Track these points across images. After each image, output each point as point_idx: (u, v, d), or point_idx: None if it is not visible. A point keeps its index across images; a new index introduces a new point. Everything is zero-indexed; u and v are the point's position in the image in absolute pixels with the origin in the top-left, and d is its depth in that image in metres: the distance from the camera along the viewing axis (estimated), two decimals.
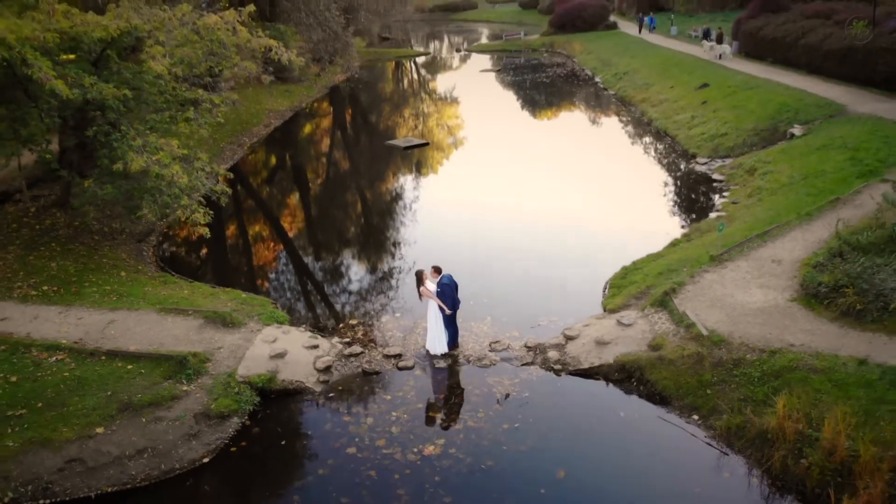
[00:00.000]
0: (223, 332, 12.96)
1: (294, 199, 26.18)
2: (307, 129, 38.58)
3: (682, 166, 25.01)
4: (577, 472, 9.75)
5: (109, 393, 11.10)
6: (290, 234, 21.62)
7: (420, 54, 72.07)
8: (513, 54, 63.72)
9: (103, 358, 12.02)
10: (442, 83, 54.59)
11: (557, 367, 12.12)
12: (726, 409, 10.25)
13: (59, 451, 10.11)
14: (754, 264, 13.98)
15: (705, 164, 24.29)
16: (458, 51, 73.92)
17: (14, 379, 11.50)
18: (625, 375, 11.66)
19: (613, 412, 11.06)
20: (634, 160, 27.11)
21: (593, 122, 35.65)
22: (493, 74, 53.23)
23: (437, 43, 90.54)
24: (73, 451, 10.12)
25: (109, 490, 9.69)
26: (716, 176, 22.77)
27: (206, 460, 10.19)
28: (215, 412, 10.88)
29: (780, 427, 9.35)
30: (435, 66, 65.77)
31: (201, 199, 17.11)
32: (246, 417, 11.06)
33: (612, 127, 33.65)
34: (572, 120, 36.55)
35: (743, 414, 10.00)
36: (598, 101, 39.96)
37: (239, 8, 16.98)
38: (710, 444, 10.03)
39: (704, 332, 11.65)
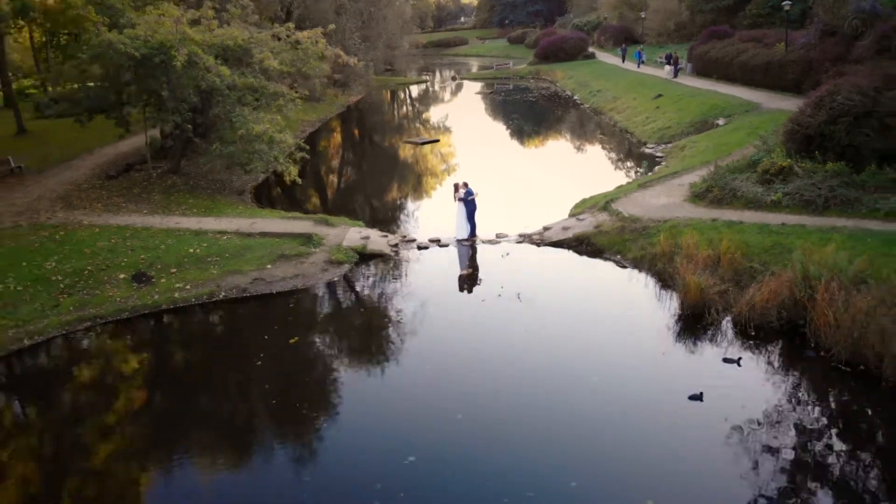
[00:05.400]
0: (327, 228, 20.30)
1: (348, 167, 34.65)
2: (338, 133, 46.40)
3: (635, 150, 32.73)
4: (552, 282, 17.04)
5: (269, 250, 18.39)
6: (351, 184, 29.55)
7: (420, 81, 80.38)
8: (503, 81, 71.93)
9: (257, 237, 19.35)
10: (442, 102, 62.69)
11: (538, 241, 19.48)
12: (635, 249, 17.62)
13: (246, 275, 17.32)
14: (666, 187, 21.52)
15: (652, 147, 31.99)
16: (453, 78, 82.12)
17: (205, 244, 18.77)
18: (578, 243, 19.00)
19: (572, 260, 18.41)
20: (600, 147, 35.00)
21: (571, 125, 43.55)
22: (486, 95, 61.30)
23: (432, 74, 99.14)
24: (255, 275, 17.33)
25: (281, 291, 16.87)
26: (658, 154, 30.42)
27: (334, 279, 17.45)
28: (335, 260, 18.15)
29: (662, 249, 16.68)
30: (434, 90, 73.97)
31: (289, 161, 24.48)
32: (352, 264, 18.31)
33: (586, 127, 41.60)
34: (554, 124, 44.46)
35: (644, 250, 17.36)
36: (575, 112, 47.89)
37: (320, 27, 24.62)
38: (625, 267, 17.38)
39: (626, 215, 19.09)
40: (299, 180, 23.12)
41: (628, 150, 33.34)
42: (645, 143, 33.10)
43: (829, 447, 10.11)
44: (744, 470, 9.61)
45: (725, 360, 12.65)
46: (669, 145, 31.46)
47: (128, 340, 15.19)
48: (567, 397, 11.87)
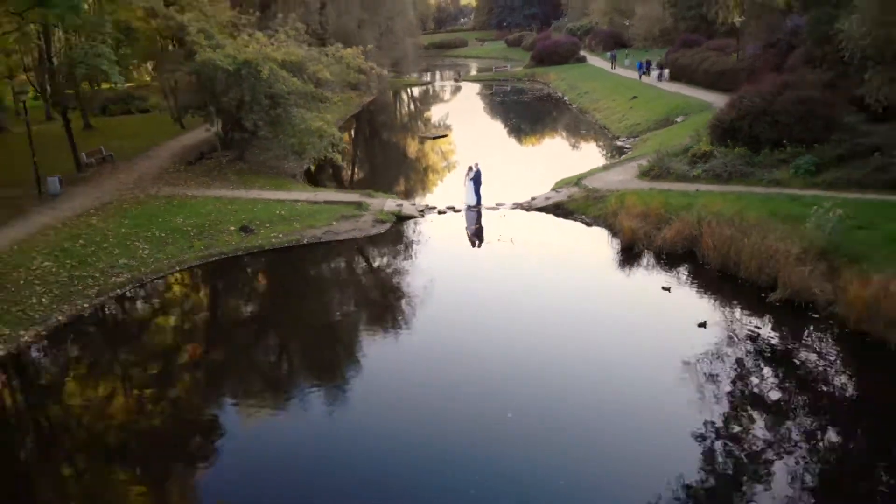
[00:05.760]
0: (370, 199, 27.40)
1: (373, 155, 41.88)
2: (360, 128, 53.50)
3: (609, 143, 39.83)
4: (536, 232, 24.13)
5: (332, 213, 25.48)
6: (379, 168, 36.70)
7: (424, 83, 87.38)
8: (501, 83, 78.91)
9: (322, 203, 26.46)
10: (446, 101, 69.77)
11: (526, 207, 26.54)
12: (594, 210, 24.67)
13: (320, 228, 24.39)
14: (623, 168, 28.64)
15: (623, 141, 39.07)
16: (455, 80, 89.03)
17: (286, 209, 25.85)
18: (556, 208, 26.03)
19: (550, 219, 25.48)
20: (582, 140, 42.07)
21: (559, 122, 50.66)
22: (486, 96, 68.34)
23: (433, 75, 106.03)
24: (326, 228, 24.39)
25: (345, 238, 23.94)
26: (627, 146, 37.50)
27: (381, 231, 24.54)
28: (380, 219, 25.24)
29: (612, 209, 23.72)
30: (438, 91, 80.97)
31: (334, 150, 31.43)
32: (392, 223, 25.37)
33: (571, 123, 48.73)
34: (545, 121, 51.56)
35: (601, 210, 24.41)
36: (564, 111, 54.98)
37: (360, 46, 31.64)
38: (587, 223, 24.44)
39: (590, 188, 26.19)
40: (344, 164, 30.16)
41: (604, 143, 40.47)
42: (618, 137, 40.20)
43: (707, 314, 17.26)
44: (669, 318, 16.73)
45: (663, 288, 19.52)
46: (637, 139, 38.56)
47: (245, 267, 22.33)
48: (544, 287, 18.95)
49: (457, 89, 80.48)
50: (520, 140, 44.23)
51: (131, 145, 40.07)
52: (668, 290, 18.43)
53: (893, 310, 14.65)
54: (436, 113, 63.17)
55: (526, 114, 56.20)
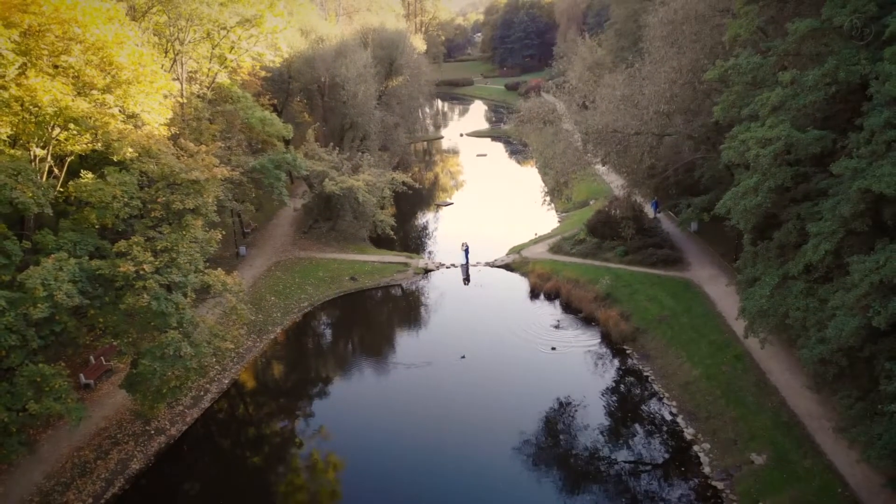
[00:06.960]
0: (410, 259, 53.35)
1: (409, 217, 66.94)
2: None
3: (550, 214, 65.51)
4: (495, 279, 50.05)
5: (392, 269, 51.48)
6: (409, 232, 62.39)
7: (437, 138, 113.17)
8: (495, 139, 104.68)
9: (387, 263, 52.55)
10: (452, 163, 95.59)
11: (492, 265, 52.38)
12: (524, 268, 50.48)
13: (387, 277, 50.40)
14: (543, 244, 54.39)
15: (560, 214, 64.75)
16: (461, 135, 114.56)
17: (369, 267, 51.85)
18: (506, 266, 51.83)
19: (503, 273, 51.37)
20: (535, 211, 67.82)
21: (525, 192, 76.46)
22: (480, 159, 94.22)
23: (444, 117, 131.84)
24: (390, 278, 50.36)
25: (399, 284, 49.95)
26: (560, 219, 63.19)
27: (419, 280, 50.55)
28: (416, 272, 51.15)
29: (531, 269, 49.50)
30: (448, 148, 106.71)
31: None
32: (423, 274, 51.31)
33: (533, 195, 74.39)
34: (517, 191, 77.46)
35: (527, 269, 50.22)
36: (530, 181, 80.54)
37: (402, 171, 57.50)
38: (522, 275, 50.29)
39: (524, 255, 52.08)
40: (393, 235, 55.82)
41: (547, 215, 66.13)
42: (559, 211, 65.93)
43: (561, 327, 43.21)
44: (542, 318, 42.70)
45: (555, 327, 45.59)
46: (566, 214, 64.27)
47: (357, 297, 48.37)
48: (495, 303, 44.80)
49: (461, 145, 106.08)
50: (494, 207, 69.77)
51: (260, 215, 65.97)
52: (557, 326, 44.28)
53: (612, 320, 40.40)
54: (445, 175, 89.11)
55: (506, 181, 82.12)
